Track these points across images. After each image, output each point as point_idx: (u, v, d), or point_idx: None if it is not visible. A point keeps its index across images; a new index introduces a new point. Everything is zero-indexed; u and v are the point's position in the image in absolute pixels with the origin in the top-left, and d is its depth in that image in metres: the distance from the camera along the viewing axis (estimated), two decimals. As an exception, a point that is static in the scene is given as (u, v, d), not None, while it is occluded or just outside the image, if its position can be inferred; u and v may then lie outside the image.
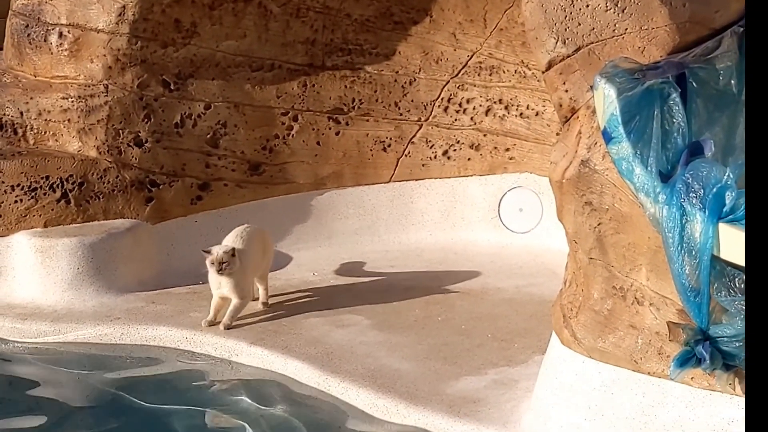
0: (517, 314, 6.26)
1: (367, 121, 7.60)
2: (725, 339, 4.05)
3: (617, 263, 4.51)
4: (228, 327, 6.14)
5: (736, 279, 3.98)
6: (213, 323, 6.20)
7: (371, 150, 7.60)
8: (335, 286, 6.79)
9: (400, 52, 7.60)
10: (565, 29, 4.77)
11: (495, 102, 7.55)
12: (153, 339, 6.16)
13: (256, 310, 6.36)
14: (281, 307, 6.42)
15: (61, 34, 7.06)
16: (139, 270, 6.76)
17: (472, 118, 7.59)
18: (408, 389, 5.33)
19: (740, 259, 3.85)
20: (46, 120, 6.97)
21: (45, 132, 6.98)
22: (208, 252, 6.11)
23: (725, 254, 3.93)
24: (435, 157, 7.63)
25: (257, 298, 6.45)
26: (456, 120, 7.61)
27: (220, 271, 6.06)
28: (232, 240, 6.26)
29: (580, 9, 4.74)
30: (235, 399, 5.65)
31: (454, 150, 7.62)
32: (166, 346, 6.12)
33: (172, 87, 7.14)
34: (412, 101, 7.63)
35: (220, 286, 6.17)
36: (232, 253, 6.09)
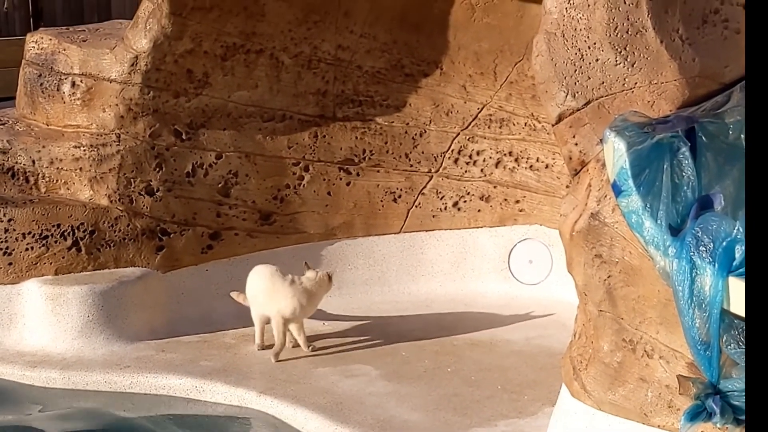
0: (526, 366, 6.26)
1: (378, 171, 7.62)
2: (736, 393, 4.04)
3: (627, 316, 4.51)
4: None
5: (745, 332, 3.98)
6: (266, 347, 6.47)
7: (382, 201, 7.62)
8: (344, 334, 6.79)
9: (410, 104, 7.64)
10: (575, 83, 4.80)
11: (505, 154, 7.58)
12: (163, 388, 6.16)
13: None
14: (291, 356, 6.42)
15: (73, 84, 7.11)
16: (149, 318, 6.77)
17: (482, 170, 7.62)
18: (417, 440, 5.33)
19: (750, 313, 3.86)
20: (57, 168, 7.00)
21: (57, 180, 7.01)
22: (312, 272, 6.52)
23: (735, 308, 3.94)
24: (445, 208, 7.65)
25: (297, 345, 6.56)
26: (466, 172, 7.63)
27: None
28: (270, 275, 6.50)
29: (590, 63, 4.78)
30: (244, 449, 5.67)
31: (465, 201, 7.64)
32: (175, 395, 6.12)
33: (183, 136, 7.18)
34: (423, 153, 7.66)
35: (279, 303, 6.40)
36: None
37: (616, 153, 4.40)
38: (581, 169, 4.82)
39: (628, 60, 4.70)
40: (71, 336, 6.54)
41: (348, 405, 5.73)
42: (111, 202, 6.94)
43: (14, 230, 6.73)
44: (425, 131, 7.65)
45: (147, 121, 7.05)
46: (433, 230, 7.66)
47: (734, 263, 3.95)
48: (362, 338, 6.76)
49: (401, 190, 7.64)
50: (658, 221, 4.22)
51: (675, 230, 4.18)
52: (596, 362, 4.65)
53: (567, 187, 6.28)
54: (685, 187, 4.28)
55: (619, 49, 4.71)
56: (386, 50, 7.56)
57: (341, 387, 5.98)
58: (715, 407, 4.07)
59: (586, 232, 4.60)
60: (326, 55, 7.47)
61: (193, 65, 7.14)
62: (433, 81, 7.63)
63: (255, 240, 7.34)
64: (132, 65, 6.98)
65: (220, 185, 7.27)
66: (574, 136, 4.81)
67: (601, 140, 4.60)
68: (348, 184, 7.60)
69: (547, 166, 7.49)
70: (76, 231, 6.81)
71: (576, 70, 4.80)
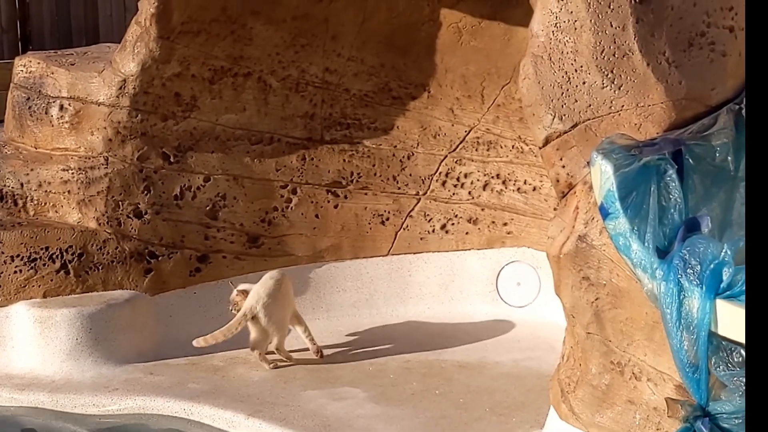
0: (515, 388, 6.26)
1: (366, 194, 7.63)
2: (725, 415, 4.05)
3: (615, 338, 4.52)
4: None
5: (734, 353, 3.99)
6: None
7: (369, 223, 7.63)
8: (332, 357, 6.78)
9: (398, 127, 7.66)
10: (562, 106, 4.82)
11: (493, 177, 7.60)
12: (151, 410, 6.13)
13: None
14: (279, 379, 6.41)
15: (62, 107, 7.11)
16: (137, 341, 6.75)
17: (470, 193, 7.64)
18: (406, 463, 5.32)
19: (738, 335, 3.87)
20: (46, 191, 7.00)
21: (45, 203, 7.00)
22: None
23: (723, 330, 3.95)
24: (433, 230, 7.66)
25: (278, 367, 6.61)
26: (454, 194, 7.65)
27: None
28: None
29: (576, 86, 4.79)
30: (232, 472, 5.65)
31: (452, 224, 7.65)
32: (163, 417, 6.10)
33: (171, 159, 7.18)
34: (411, 175, 7.67)
35: None
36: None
37: (603, 175, 4.42)
38: (568, 192, 4.83)
39: (615, 83, 4.72)
40: (60, 359, 6.52)
41: (336, 427, 5.72)
42: (99, 224, 6.94)
43: (2, 253, 6.71)
44: (413, 154, 7.66)
45: (135, 144, 7.06)
46: (421, 253, 7.67)
47: (722, 285, 3.97)
48: (350, 361, 6.75)
49: (389, 212, 7.65)
50: (646, 244, 4.23)
51: (662, 253, 4.20)
52: (584, 384, 4.66)
53: (554, 209, 6.29)
54: (672, 210, 4.30)
55: (605, 72, 4.73)
56: (374, 73, 7.58)
57: (329, 409, 5.97)
58: (704, 429, 4.08)
59: (573, 254, 4.62)
60: (314, 78, 7.49)
61: (180, 88, 7.15)
62: (421, 104, 7.65)
63: (243, 263, 7.34)
64: (120, 88, 6.98)
65: (208, 208, 7.27)
66: (561, 159, 4.83)
67: (588, 163, 4.61)
68: (336, 206, 7.61)
69: (534, 189, 7.51)
70: (64, 254, 6.80)
71: (563, 93, 4.81)
